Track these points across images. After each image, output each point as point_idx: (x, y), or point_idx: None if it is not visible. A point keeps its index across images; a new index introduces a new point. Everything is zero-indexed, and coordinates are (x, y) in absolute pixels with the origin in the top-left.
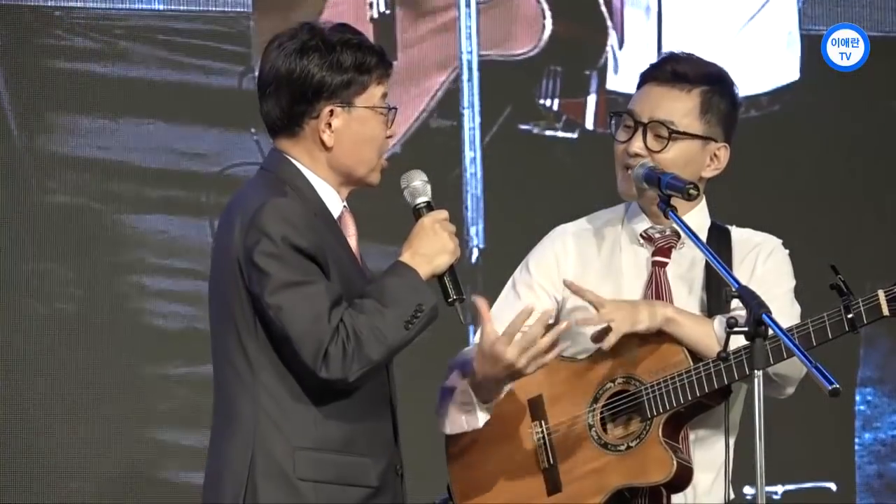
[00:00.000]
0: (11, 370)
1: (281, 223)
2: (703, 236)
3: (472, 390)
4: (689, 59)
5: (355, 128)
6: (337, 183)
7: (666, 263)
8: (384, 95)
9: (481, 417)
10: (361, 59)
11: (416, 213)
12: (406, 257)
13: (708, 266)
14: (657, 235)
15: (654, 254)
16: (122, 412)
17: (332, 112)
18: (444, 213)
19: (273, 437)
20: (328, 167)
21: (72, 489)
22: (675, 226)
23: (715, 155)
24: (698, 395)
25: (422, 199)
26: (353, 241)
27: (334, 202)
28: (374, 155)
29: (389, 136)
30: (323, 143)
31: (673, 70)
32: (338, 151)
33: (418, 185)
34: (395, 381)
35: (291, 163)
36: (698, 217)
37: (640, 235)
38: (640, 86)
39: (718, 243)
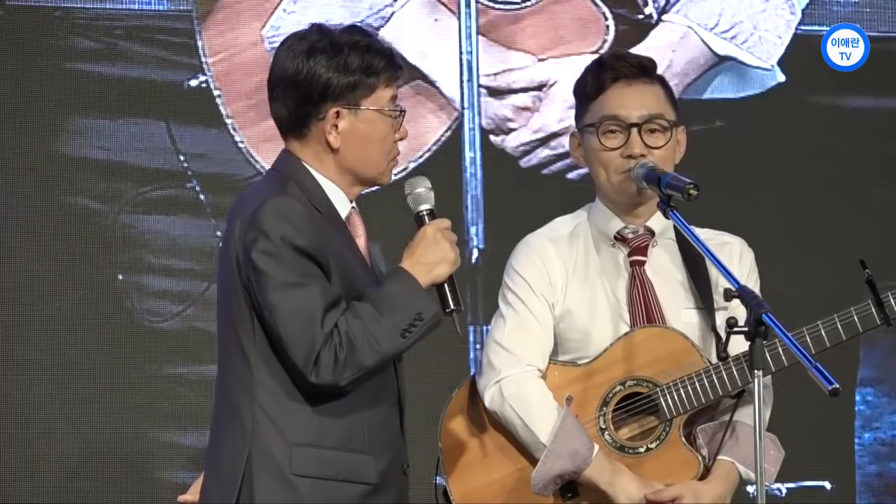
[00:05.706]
0: (11, 370)
1: (280, 222)
2: (671, 235)
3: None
4: (631, 53)
5: (362, 129)
6: (345, 184)
7: (644, 262)
8: (393, 98)
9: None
10: (369, 61)
11: (419, 220)
12: (407, 264)
13: (686, 261)
14: (631, 235)
15: (630, 253)
16: (121, 412)
17: (337, 114)
18: (446, 222)
19: (270, 434)
20: (336, 169)
21: (72, 489)
22: (647, 224)
23: (678, 139)
24: (721, 393)
25: (425, 207)
26: (361, 242)
27: (342, 203)
28: (382, 157)
29: (400, 139)
30: (329, 144)
31: (638, 64)
32: (344, 153)
33: (422, 192)
34: (404, 379)
35: (300, 163)
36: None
37: (615, 237)
38: (599, 91)
39: (686, 242)
